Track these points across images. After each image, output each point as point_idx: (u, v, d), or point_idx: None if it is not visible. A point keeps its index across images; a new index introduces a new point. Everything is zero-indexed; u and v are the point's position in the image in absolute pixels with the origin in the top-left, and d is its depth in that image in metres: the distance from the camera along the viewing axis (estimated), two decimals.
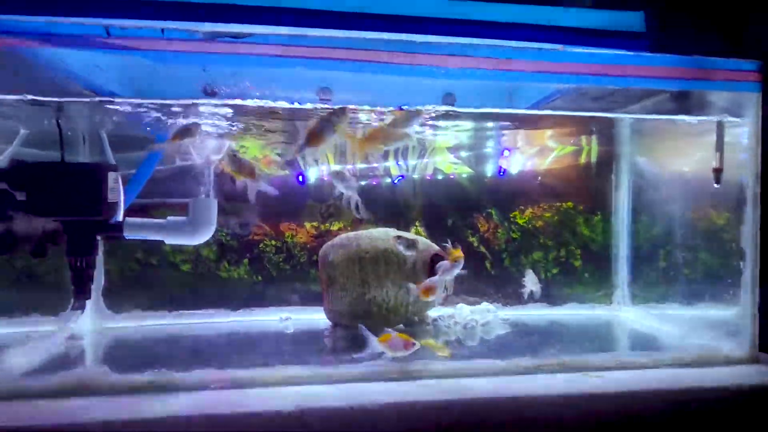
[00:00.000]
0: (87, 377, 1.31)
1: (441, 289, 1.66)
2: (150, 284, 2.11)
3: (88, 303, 1.85)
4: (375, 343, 1.41)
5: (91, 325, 1.90)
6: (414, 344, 1.40)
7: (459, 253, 1.64)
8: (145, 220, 1.64)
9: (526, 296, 2.03)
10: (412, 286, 1.72)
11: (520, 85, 1.67)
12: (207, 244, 2.19)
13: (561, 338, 1.92)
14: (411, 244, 1.75)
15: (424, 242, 1.96)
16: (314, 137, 1.44)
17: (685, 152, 2.08)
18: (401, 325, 1.95)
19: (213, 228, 1.72)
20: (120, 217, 1.63)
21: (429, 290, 1.63)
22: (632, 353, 1.59)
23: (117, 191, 1.61)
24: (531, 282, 2.01)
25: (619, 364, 1.54)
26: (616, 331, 2.11)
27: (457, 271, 1.65)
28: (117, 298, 1.97)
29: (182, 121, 1.62)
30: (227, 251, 2.21)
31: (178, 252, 2.15)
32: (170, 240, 1.67)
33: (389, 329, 1.44)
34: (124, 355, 1.73)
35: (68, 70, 1.35)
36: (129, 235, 1.61)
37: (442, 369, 1.45)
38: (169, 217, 1.67)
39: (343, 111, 1.44)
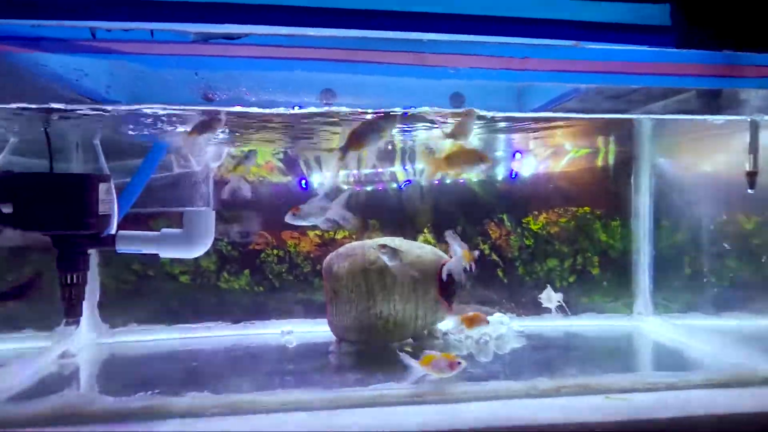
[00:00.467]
0: (75, 404, 1.23)
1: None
2: (147, 296, 2.04)
3: (83, 317, 1.79)
4: (418, 368, 1.34)
5: (85, 340, 1.82)
6: (459, 363, 1.33)
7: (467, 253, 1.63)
8: (139, 232, 1.56)
9: (553, 311, 1.91)
10: (454, 317, 1.69)
11: (531, 84, 1.56)
12: (207, 253, 2.12)
13: (580, 353, 1.81)
14: (395, 254, 1.65)
15: (433, 251, 1.87)
16: (358, 140, 1.37)
17: (711, 153, 1.96)
18: (410, 340, 1.85)
19: (210, 240, 1.64)
20: (113, 229, 1.55)
21: (472, 319, 1.61)
22: (658, 373, 1.47)
23: (109, 203, 1.53)
24: (548, 299, 1.89)
25: (646, 386, 1.42)
26: (638, 345, 1.99)
27: (461, 264, 1.60)
28: (113, 312, 1.90)
29: (178, 129, 1.54)
30: (227, 261, 2.12)
31: (177, 263, 2.07)
32: (165, 254, 1.59)
33: (432, 351, 1.38)
34: (117, 374, 1.66)
35: (54, 76, 1.27)
36: (121, 248, 1.53)
37: (457, 392, 1.35)
38: (163, 230, 1.58)
39: (393, 118, 1.37)
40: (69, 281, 1.46)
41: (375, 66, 1.34)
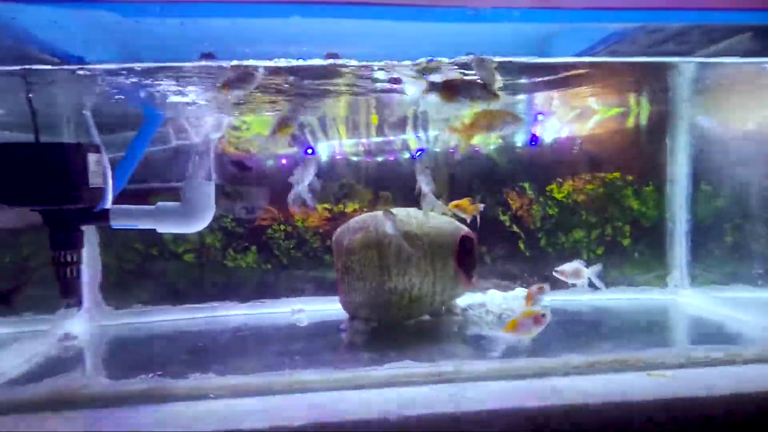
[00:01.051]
0: (73, 387, 1.16)
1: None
2: (151, 276, 1.96)
3: (85, 299, 1.72)
4: (504, 337, 1.30)
5: (88, 322, 1.76)
6: (545, 316, 1.29)
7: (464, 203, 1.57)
8: (134, 207, 1.46)
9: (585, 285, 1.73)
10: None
11: (555, 32, 1.38)
12: (211, 230, 2.02)
13: (612, 328, 1.69)
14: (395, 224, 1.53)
15: (451, 222, 1.74)
16: (449, 92, 1.27)
17: (759, 108, 1.76)
18: (427, 317, 1.74)
19: (211, 213, 1.53)
20: (107, 203, 1.45)
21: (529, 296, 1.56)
22: (705, 347, 1.33)
23: (100, 175, 1.42)
24: (575, 274, 1.69)
25: (689, 361, 1.29)
26: (675, 319, 1.85)
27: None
28: (116, 293, 1.83)
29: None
30: (233, 238, 2.03)
31: (181, 241, 1.98)
32: (163, 228, 1.49)
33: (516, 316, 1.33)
34: (120, 356, 1.59)
35: (26, 32, 1.15)
36: (116, 224, 1.43)
37: (482, 370, 1.24)
38: (159, 203, 1.48)
39: (496, 95, 1.28)
40: (63, 260, 1.37)
41: (382, 9, 1.18)
